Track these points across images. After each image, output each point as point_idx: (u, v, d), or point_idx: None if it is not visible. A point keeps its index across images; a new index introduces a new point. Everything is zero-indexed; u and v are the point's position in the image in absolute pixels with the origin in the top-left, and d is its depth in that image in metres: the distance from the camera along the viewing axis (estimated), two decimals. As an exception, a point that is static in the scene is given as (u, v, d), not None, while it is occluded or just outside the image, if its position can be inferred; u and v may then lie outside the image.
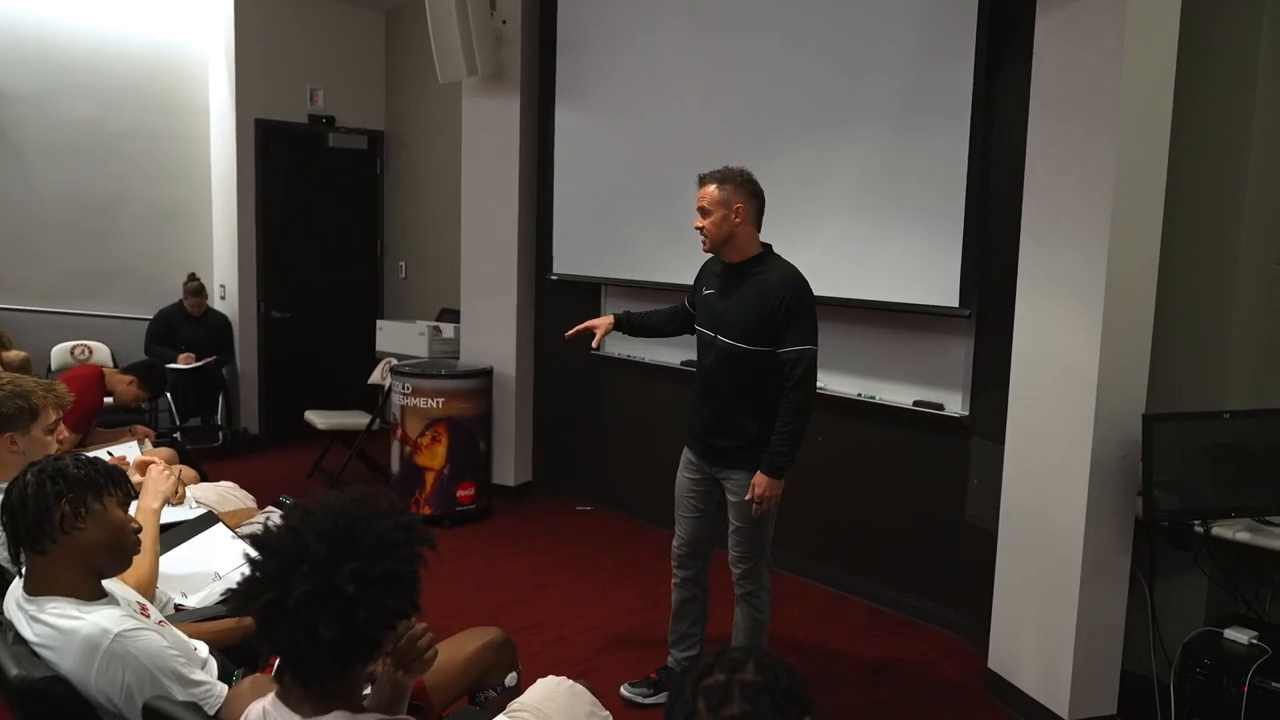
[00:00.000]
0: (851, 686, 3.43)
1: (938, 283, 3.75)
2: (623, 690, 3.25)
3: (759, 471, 2.89)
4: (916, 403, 4.00)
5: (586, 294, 5.45)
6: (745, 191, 2.93)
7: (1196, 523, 2.89)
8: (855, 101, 3.96)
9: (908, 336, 4.06)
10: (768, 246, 3.02)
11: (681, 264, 4.73)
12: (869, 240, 3.97)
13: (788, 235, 4.21)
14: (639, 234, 4.94)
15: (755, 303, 2.90)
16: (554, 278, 5.41)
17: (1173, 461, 2.86)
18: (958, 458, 3.88)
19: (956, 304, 3.70)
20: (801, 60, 4.14)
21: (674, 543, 3.25)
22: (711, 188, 2.93)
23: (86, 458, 1.93)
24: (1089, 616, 3.00)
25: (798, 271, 2.96)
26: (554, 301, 5.47)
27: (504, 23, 5.30)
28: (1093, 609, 3.01)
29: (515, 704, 2.09)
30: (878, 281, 3.95)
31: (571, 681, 2.17)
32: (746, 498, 2.91)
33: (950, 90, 3.64)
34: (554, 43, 5.27)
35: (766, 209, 3.99)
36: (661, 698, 3.20)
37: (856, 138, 3.97)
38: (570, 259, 5.33)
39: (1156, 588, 3.07)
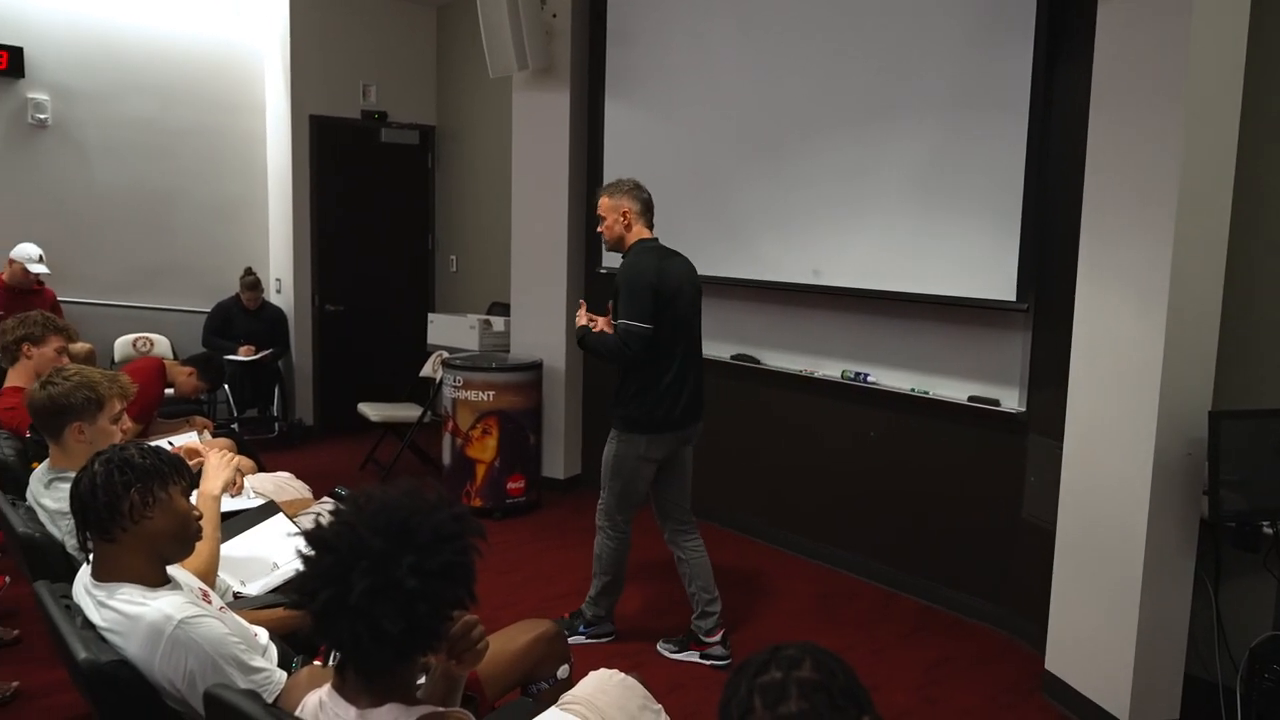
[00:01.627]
0: (904, 686, 3.39)
1: (994, 276, 3.68)
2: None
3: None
4: (971, 398, 3.93)
5: (636, 287, 5.44)
6: (631, 197, 3.48)
7: (1265, 524, 2.80)
8: (910, 92, 3.91)
9: (962, 331, 4.00)
10: (641, 240, 3.49)
11: (731, 257, 4.72)
12: (923, 234, 3.91)
13: (839, 229, 4.20)
14: (689, 227, 4.91)
15: (615, 284, 3.44)
16: (603, 271, 5.41)
17: (1240, 460, 2.78)
18: (1014, 455, 3.81)
19: (1014, 298, 3.64)
20: (854, 51, 4.09)
21: None
22: (604, 198, 3.53)
23: (151, 447, 1.97)
24: (1151, 618, 2.93)
25: (643, 260, 3.41)
26: (603, 295, 5.41)
27: (554, 16, 5.31)
28: (1155, 611, 2.94)
29: (568, 696, 2.09)
30: (932, 275, 3.89)
31: (624, 674, 2.17)
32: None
33: (1008, 81, 3.57)
34: (604, 35, 5.26)
35: (816, 201, 4.12)
36: (688, 655, 3.57)
37: (910, 130, 3.91)
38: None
39: (1222, 590, 2.99)
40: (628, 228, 3.49)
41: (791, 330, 4.68)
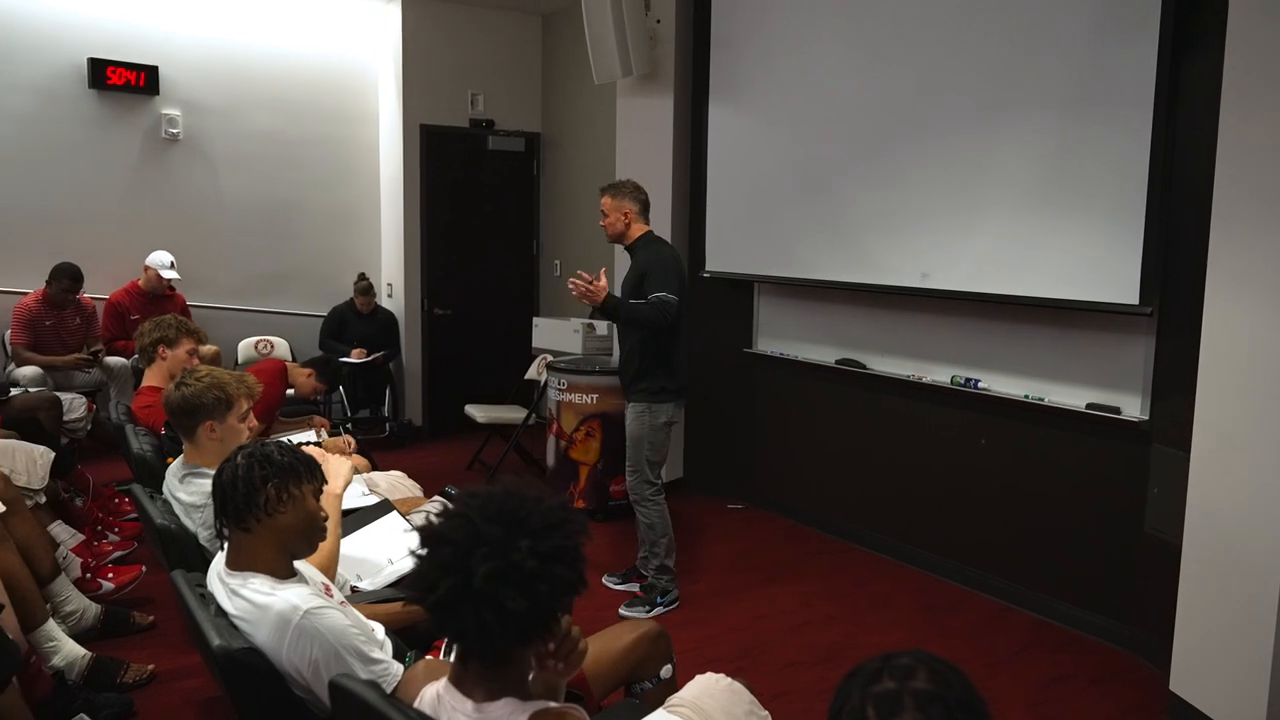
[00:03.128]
0: (1017, 704, 3.27)
1: (1114, 279, 3.53)
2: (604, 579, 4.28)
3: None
4: (1090, 405, 3.78)
5: (740, 291, 5.44)
6: (631, 198, 3.94)
7: None
8: (1026, 86, 3.78)
9: (1079, 335, 3.85)
10: (649, 233, 3.97)
11: (836, 260, 4.66)
12: (1038, 234, 3.78)
13: (949, 231, 4.10)
14: (793, 229, 4.88)
15: (633, 271, 3.93)
16: (706, 275, 5.41)
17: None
18: (1136, 465, 3.65)
19: (1136, 301, 3.48)
20: (967, 42, 3.98)
21: None
22: (606, 198, 3.96)
23: (290, 446, 2.07)
24: (1288, 640, 2.76)
25: (663, 248, 3.95)
26: (707, 298, 5.47)
27: (658, 22, 5.34)
28: (1293, 632, 2.77)
29: (674, 699, 2.10)
30: (1047, 278, 3.75)
31: (730, 679, 2.17)
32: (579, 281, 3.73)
33: (1132, 73, 3.41)
34: (708, 39, 5.26)
35: (925, 203, 4.22)
36: (629, 586, 4.19)
37: (1027, 126, 3.78)
38: (723, 256, 5.32)
39: (1370, 612, 2.80)
40: (628, 225, 3.93)
41: (899, 335, 4.59)
